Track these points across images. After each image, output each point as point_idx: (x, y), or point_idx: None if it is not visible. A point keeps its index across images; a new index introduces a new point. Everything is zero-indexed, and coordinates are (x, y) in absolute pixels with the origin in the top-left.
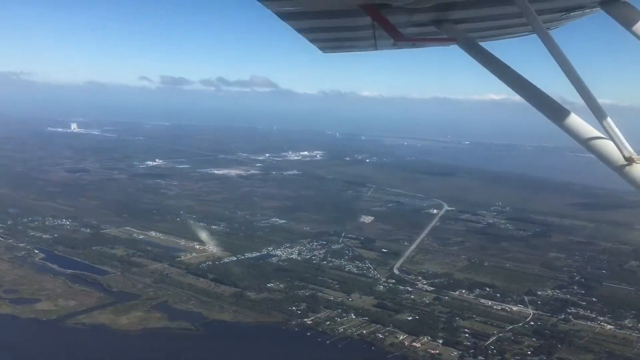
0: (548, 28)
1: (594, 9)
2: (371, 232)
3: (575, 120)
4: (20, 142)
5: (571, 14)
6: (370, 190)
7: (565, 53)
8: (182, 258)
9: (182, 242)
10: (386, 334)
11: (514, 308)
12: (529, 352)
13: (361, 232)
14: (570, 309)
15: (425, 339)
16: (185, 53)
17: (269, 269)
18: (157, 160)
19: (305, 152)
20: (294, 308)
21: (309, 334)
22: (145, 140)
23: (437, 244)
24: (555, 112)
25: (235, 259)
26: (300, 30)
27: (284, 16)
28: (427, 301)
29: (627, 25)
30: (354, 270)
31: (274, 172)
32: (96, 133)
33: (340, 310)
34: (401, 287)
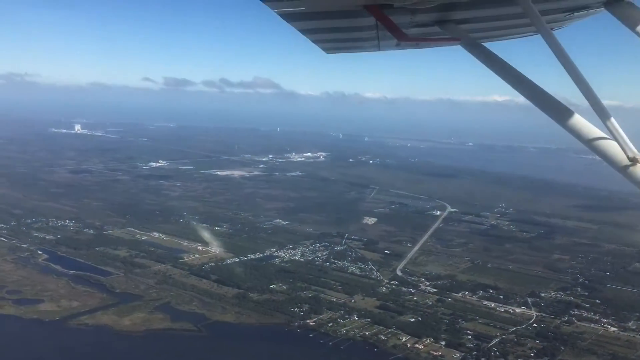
0: (552, 28)
1: (598, 10)
2: (374, 233)
3: (579, 121)
4: (24, 143)
5: (575, 14)
6: (373, 191)
7: (569, 53)
8: (185, 259)
9: (185, 243)
10: (389, 335)
11: (517, 310)
12: (532, 354)
13: (364, 234)
14: (573, 311)
15: (428, 340)
16: (188, 54)
17: (271, 270)
18: (160, 161)
19: (309, 154)
20: (296, 309)
21: (311, 335)
22: (148, 141)
23: (440, 246)
24: (559, 112)
25: (238, 260)
26: (303, 31)
27: (287, 17)
28: (430, 303)
29: (632, 25)
30: (357, 271)
31: (277, 174)
32: (99, 134)
33: (342, 311)
34: (404, 289)
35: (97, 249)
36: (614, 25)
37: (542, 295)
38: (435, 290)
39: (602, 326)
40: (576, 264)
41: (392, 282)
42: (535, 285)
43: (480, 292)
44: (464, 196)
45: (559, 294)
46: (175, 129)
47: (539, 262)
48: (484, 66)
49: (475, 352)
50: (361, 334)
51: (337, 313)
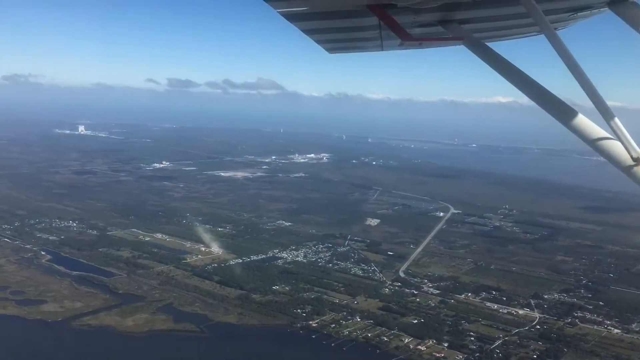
0: (555, 28)
1: (602, 9)
2: (377, 234)
3: (583, 121)
4: (28, 144)
5: (579, 14)
6: (376, 192)
7: (572, 53)
8: (188, 260)
9: (188, 244)
10: (391, 337)
11: (520, 311)
12: (535, 356)
13: (367, 235)
14: (576, 313)
15: (431, 342)
16: (192, 55)
17: (274, 272)
18: (163, 162)
19: (312, 155)
20: (299, 310)
21: (314, 336)
22: (152, 142)
23: (443, 247)
24: (563, 112)
25: (240, 261)
26: (306, 32)
27: (290, 17)
28: (433, 304)
29: (636, 25)
30: (360, 273)
31: (280, 175)
32: (103, 135)
33: (345, 312)
34: (407, 290)
35: (100, 249)
36: (618, 25)
37: (545, 296)
38: (438, 291)
39: (606, 328)
40: (579, 265)
41: (395, 284)
42: (538, 287)
43: (483, 294)
44: (467, 197)
45: (562, 296)
46: (178, 130)
47: (542, 264)
48: (487, 66)
49: (478, 354)
50: (364, 335)
51: (340, 314)
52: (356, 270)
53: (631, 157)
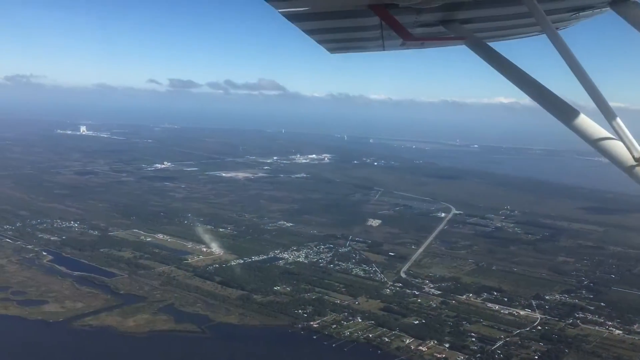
0: (557, 28)
1: (604, 9)
2: (378, 235)
3: (585, 121)
4: (30, 144)
5: (580, 14)
6: (378, 193)
7: (574, 53)
8: (189, 261)
9: (190, 244)
10: (392, 337)
11: (522, 312)
12: (536, 357)
13: (368, 236)
14: (578, 314)
15: (432, 343)
16: (193, 56)
17: (275, 272)
18: (165, 163)
19: (313, 155)
20: (300, 311)
21: (315, 337)
22: (153, 142)
23: (444, 248)
24: (565, 112)
25: (242, 261)
26: (308, 32)
27: (292, 17)
28: (434, 305)
29: (637, 25)
30: (361, 273)
31: (281, 175)
32: (105, 136)
33: (346, 313)
34: (408, 291)
35: (101, 250)
36: (620, 25)
37: (547, 297)
38: (439, 292)
39: (607, 329)
40: (581, 266)
41: (396, 284)
42: (539, 288)
43: (485, 295)
44: (469, 198)
45: (564, 297)
46: (180, 131)
47: (543, 265)
48: (488, 67)
49: (479, 355)
50: (365, 336)
51: (341, 315)
52: (357, 270)
53: (633, 157)
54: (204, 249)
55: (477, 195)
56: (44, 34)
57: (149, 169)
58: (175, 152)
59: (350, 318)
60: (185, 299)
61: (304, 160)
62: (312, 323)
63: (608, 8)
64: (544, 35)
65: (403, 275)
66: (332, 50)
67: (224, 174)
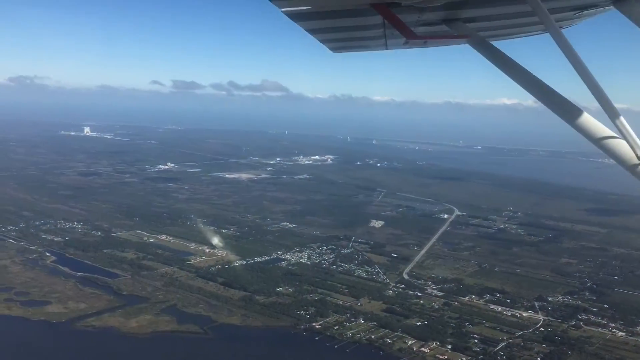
0: (561, 27)
1: (607, 8)
2: (381, 236)
3: (588, 120)
4: (34, 145)
5: (584, 12)
6: (380, 194)
7: (578, 52)
8: (192, 261)
9: (192, 245)
10: (395, 339)
11: (524, 314)
12: (539, 359)
13: (371, 237)
14: (581, 315)
15: (434, 344)
16: (197, 57)
17: (278, 273)
18: (168, 164)
19: (316, 157)
20: (302, 312)
21: (317, 338)
22: (156, 144)
23: (447, 249)
24: (568, 111)
25: (244, 262)
26: (310, 31)
27: (294, 16)
28: (437, 306)
29: None
30: (364, 274)
31: (284, 176)
32: (108, 137)
33: (349, 314)
34: (410, 292)
35: (104, 251)
36: (623, 23)
37: (550, 299)
38: (441, 293)
39: (610, 331)
40: (584, 268)
41: (399, 286)
42: (542, 289)
43: (487, 296)
44: (472, 199)
45: (567, 298)
46: (183, 132)
47: (546, 266)
48: (491, 66)
49: (481, 356)
50: (367, 337)
51: (343, 316)
52: (360, 272)
53: (637, 156)
54: (207, 250)
55: (480, 197)
56: (48, 35)
57: (153, 170)
58: (179, 153)
59: (353, 319)
60: (188, 300)
61: (307, 162)
62: (314, 324)
63: (612, 7)
64: (547, 34)
65: (405, 276)
66: (334, 49)
67: (227, 175)
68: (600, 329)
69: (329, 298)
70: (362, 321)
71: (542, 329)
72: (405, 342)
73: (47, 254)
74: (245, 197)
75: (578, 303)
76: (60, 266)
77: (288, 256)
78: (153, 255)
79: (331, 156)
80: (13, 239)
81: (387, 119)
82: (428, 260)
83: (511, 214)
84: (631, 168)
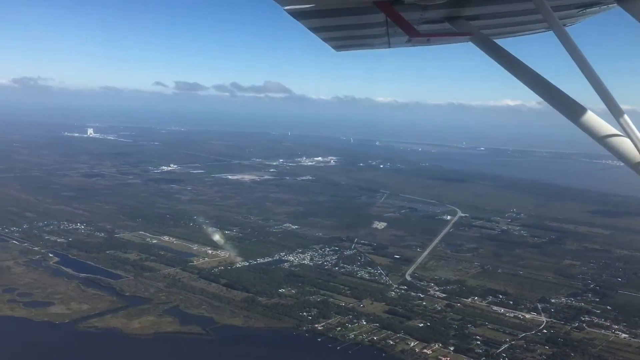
0: (564, 24)
1: (611, 5)
2: (384, 238)
3: (592, 118)
4: (37, 146)
5: (587, 10)
6: (383, 196)
7: (581, 50)
8: (195, 263)
9: (195, 246)
10: (397, 340)
11: (527, 316)
12: None
13: (374, 238)
14: (584, 317)
15: (437, 346)
16: (200, 58)
17: (280, 275)
18: (171, 165)
19: (319, 158)
20: (305, 314)
21: (319, 339)
22: (160, 145)
23: (450, 251)
24: (571, 109)
25: (247, 264)
26: (313, 29)
27: (297, 15)
28: (439, 308)
29: None
30: (366, 276)
31: (287, 178)
32: (112, 138)
33: (351, 316)
34: (413, 294)
35: (107, 252)
36: (627, 21)
37: (553, 301)
38: (444, 295)
39: (613, 332)
40: (587, 269)
41: (401, 287)
42: (545, 291)
43: (490, 298)
44: (475, 201)
45: (570, 300)
46: (186, 133)
47: (549, 268)
48: (495, 67)
49: (484, 358)
50: (369, 338)
51: (346, 317)
52: (362, 273)
53: None
54: (210, 251)
55: (483, 198)
56: (51, 36)
57: (156, 172)
58: (182, 155)
59: (355, 321)
60: (191, 301)
61: (310, 163)
62: (316, 325)
63: (615, 4)
64: (551, 32)
65: (408, 278)
66: (337, 47)
67: (230, 177)
68: (603, 331)
69: (331, 299)
70: (365, 323)
71: (545, 331)
72: (407, 344)
73: (50, 255)
74: (248, 199)
75: (581, 305)
76: (63, 267)
77: (290, 257)
78: (156, 256)
79: (334, 157)
80: (16, 240)
81: (390, 120)
82: (431, 261)
83: (514, 215)
84: (635, 166)
